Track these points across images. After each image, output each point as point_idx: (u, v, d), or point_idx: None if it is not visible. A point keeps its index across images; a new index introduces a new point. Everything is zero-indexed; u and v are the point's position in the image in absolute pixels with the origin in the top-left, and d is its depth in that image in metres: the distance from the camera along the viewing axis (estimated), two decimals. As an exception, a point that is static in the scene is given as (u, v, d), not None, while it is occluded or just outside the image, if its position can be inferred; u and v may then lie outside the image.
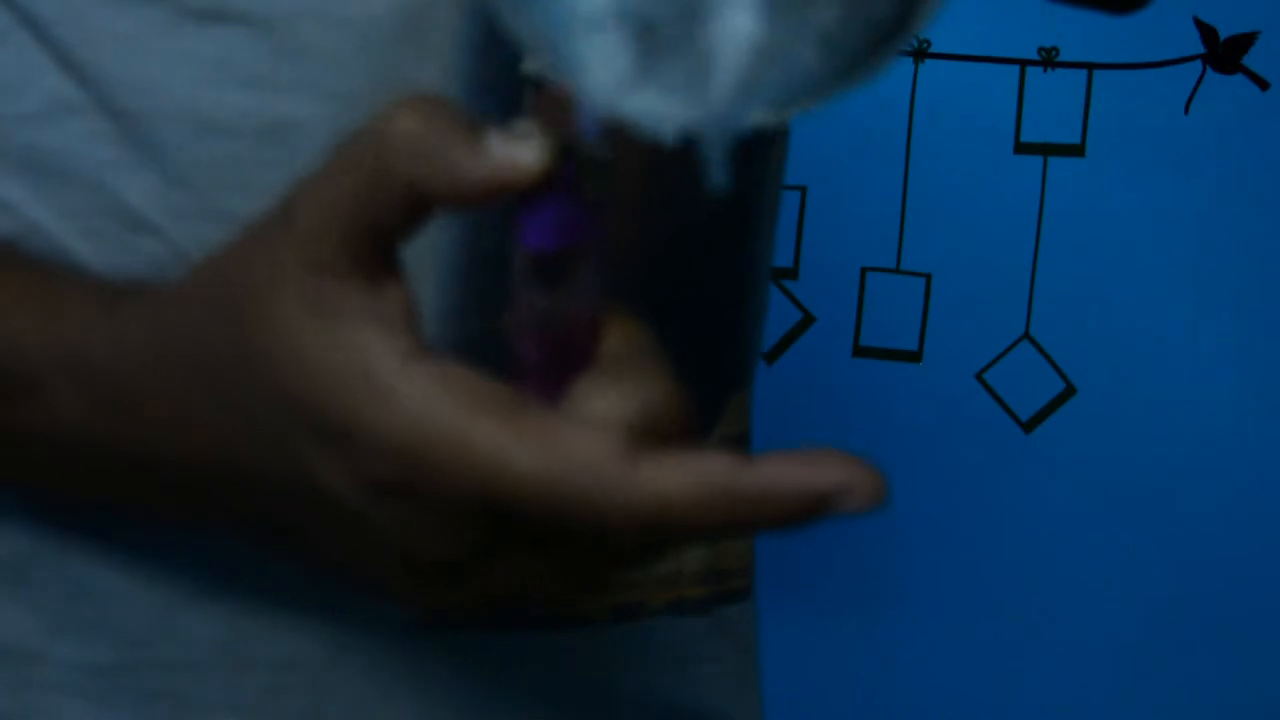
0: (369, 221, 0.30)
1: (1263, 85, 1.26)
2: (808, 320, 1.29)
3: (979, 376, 1.30)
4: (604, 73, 0.27)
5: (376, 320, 0.30)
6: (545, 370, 0.31)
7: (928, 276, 1.29)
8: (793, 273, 1.29)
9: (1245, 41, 1.25)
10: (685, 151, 0.28)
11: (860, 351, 1.30)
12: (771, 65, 0.27)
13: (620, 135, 0.29)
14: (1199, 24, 1.25)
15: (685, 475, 0.29)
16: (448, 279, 0.41)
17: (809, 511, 0.30)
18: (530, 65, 0.41)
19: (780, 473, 0.30)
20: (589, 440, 0.29)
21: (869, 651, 1.35)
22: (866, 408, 1.32)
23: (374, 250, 0.30)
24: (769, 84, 0.27)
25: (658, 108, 0.28)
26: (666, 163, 0.46)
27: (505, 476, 0.28)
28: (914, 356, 1.30)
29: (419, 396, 0.29)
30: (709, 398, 0.49)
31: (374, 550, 0.31)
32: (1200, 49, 1.26)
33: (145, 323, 0.34)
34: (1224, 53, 1.26)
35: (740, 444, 0.51)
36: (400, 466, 0.29)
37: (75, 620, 0.41)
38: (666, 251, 0.46)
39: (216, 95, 0.39)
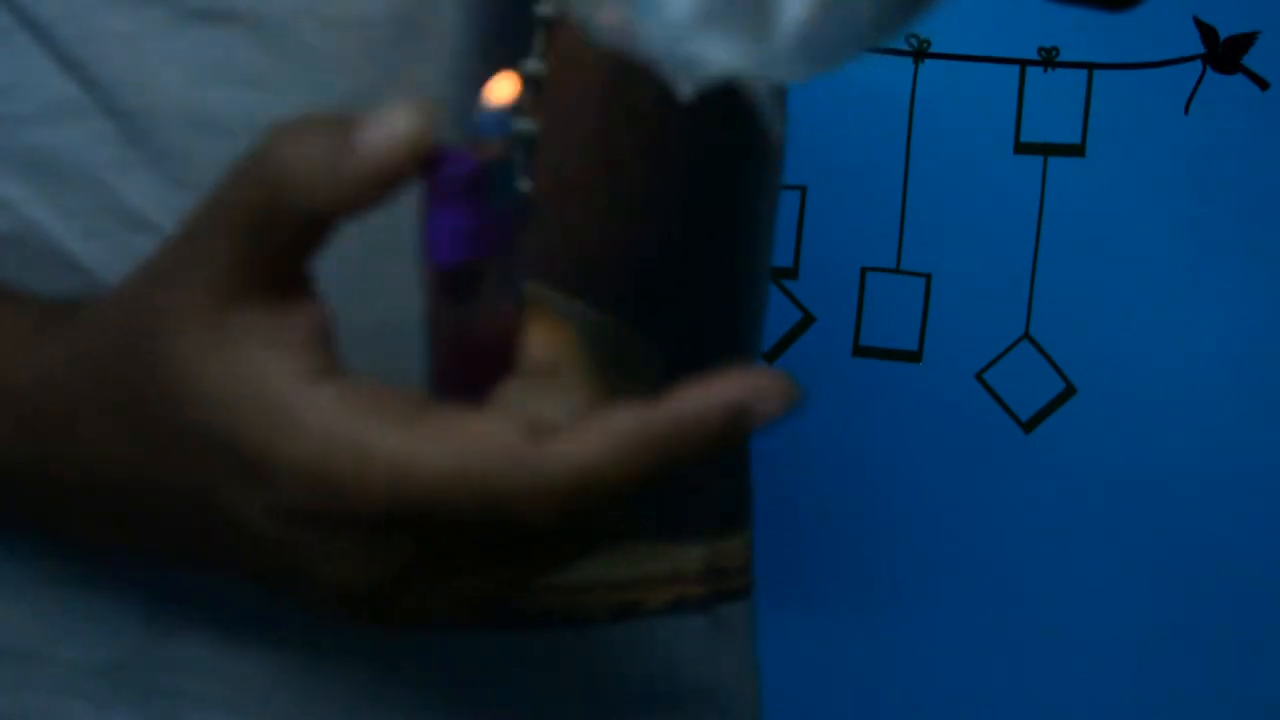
0: (266, 249, 0.30)
1: (1263, 85, 1.26)
2: (808, 320, 1.29)
3: (979, 376, 1.30)
4: (671, 12, 0.27)
5: (278, 344, 0.30)
6: (465, 381, 0.31)
7: (928, 276, 1.29)
8: (793, 273, 1.29)
9: (1245, 41, 1.25)
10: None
11: (860, 351, 1.30)
12: (831, 14, 0.27)
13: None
14: (1199, 24, 1.25)
15: (593, 436, 0.28)
16: None
17: (726, 428, 0.28)
18: (545, 7, 0.41)
19: (686, 402, 0.28)
20: (493, 427, 0.28)
21: (869, 651, 1.35)
22: (866, 408, 1.32)
23: (276, 274, 0.30)
24: (827, 33, 0.27)
25: (718, 52, 0.27)
26: (674, 154, 0.46)
27: (414, 480, 0.28)
28: (914, 356, 1.30)
29: (320, 417, 0.29)
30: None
31: (303, 575, 0.31)
32: (1200, 49, 1.26)
33: (65, 348, 0.34)
34: (1224, 53, 1.26)
35: (748, 440, 0.51)
36: (310, 491, 0.29)
37: (75, 621, 0.41)
38: (666, 250, 0.46)
39: (217, 95, 0.39)
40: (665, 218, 0.45)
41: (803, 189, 1.27)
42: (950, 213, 1.29)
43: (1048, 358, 1.29)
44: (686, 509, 0.48)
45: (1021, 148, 1.28)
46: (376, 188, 0.29)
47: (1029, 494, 1.32)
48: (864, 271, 1.29)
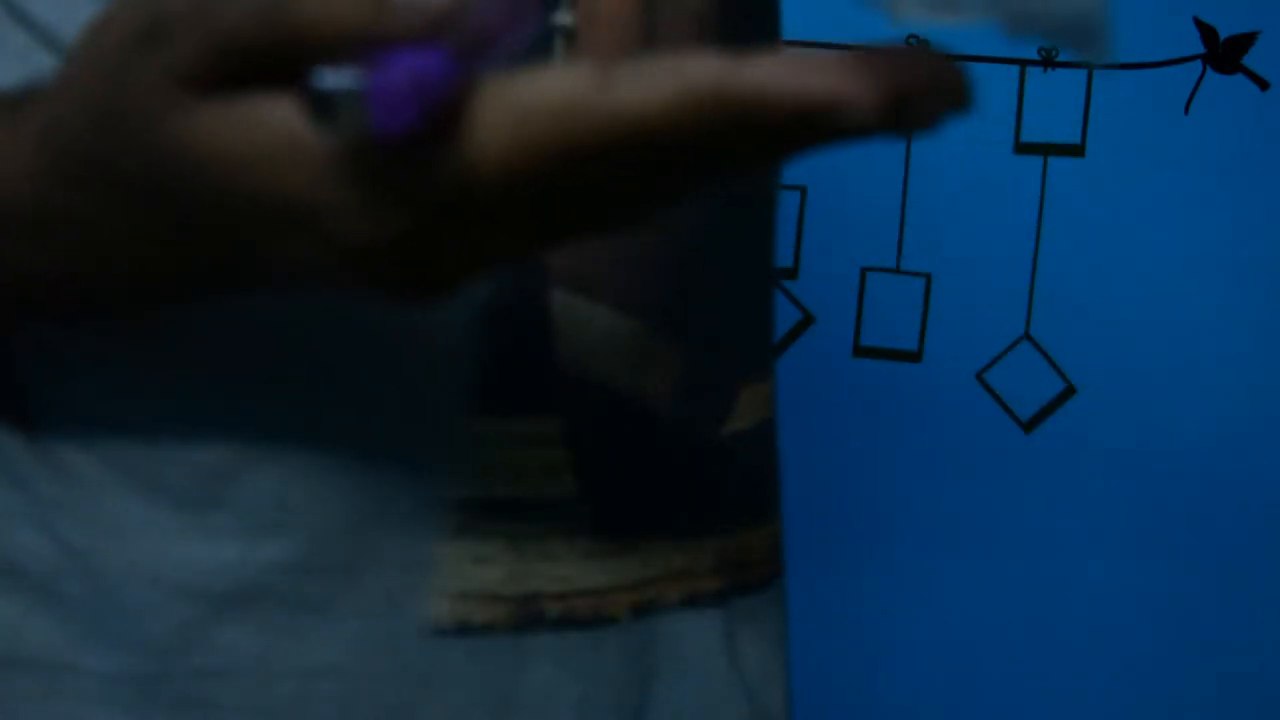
0: (249, 59, 0.28)
1: (1263, 85, 1.26)
2: (808, 320, 1.29)
3: (979, 376, 1.30)
4: None
5: (269, 97, 0.29)
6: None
7: (928, 276, 1.29)
8: (793, 273, 1.29)
9: (1245, 41, 1.25)
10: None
11: (860, 351, 1.30)
12: None
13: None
14: (1199, 24, 1.25)
15: (667, 77, 0.25)
16: (474, 288, 0.41)
17: (807, 123, 0.25)
18: None
19: (776, 73, 0.25)
20: (565, 73, 0.26)
21: (868, 651, 1.35)
22: (866, 408, 1.32)
23: (245, 74, 0.29)
24: None
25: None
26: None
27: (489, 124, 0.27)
28: (914, 356, 1.30)
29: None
30: (721, 388, 0.48)
31: (327, 232, 0.29)
32: (1200, 49, 1.26)
33: (37, 131, 0.33)
34: (1224, 53, 1.26)
35: (758, 435, 0.51)
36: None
37: (104, 631, 0.40)
38: (686, 251, 0.46)
39: None
40: (682, 218, 0.45)
41: (803, 189, 1.27)
42: (950, 213, 1.29)
43: (1048, 358, 1.30)
44: (699, 505, 0.48)
45: (1021, 148, 1.28)
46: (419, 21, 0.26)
47: (1029, 494, 1.32)
48: (864, 271, 1.29)
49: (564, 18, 0.41)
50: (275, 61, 0.28)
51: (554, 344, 0.42)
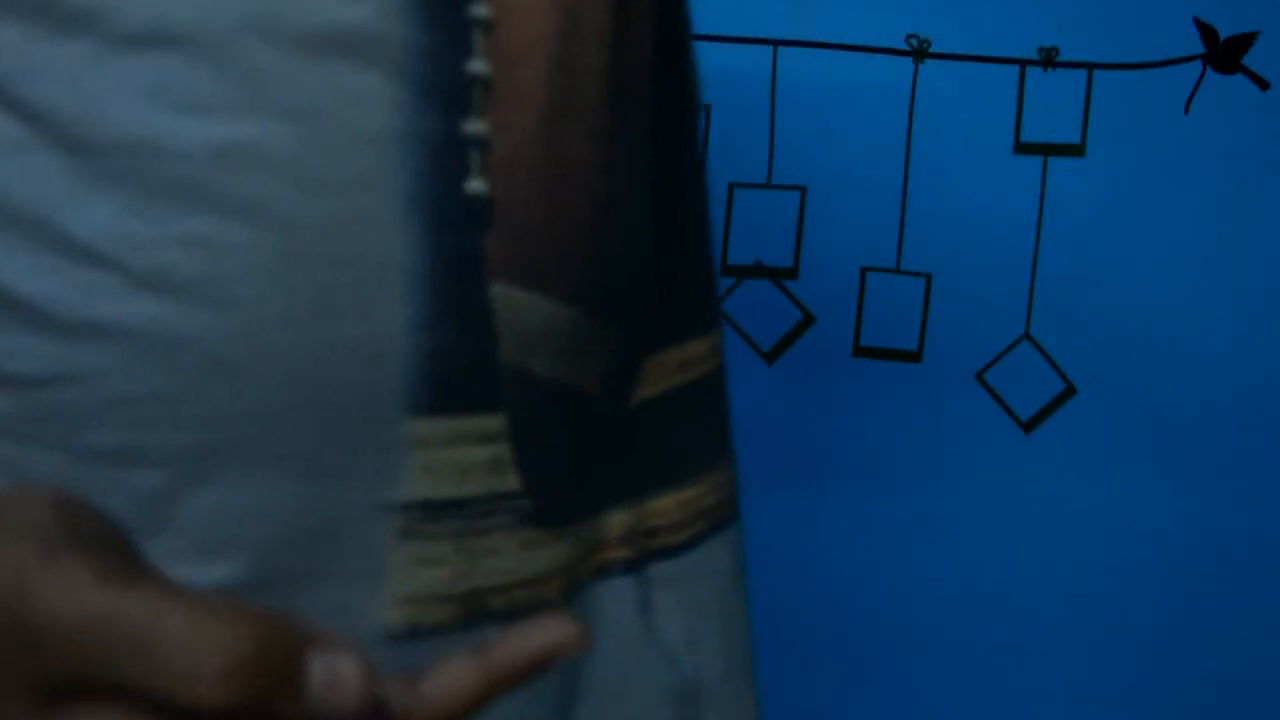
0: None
1: (1263, 85, 1.26)
2: (808, 320, 1.29)
3: (979, 376, 1.30)
4: None
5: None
6: None
7: (928, 276, 1.29)
8: (793, 273, 1.29)
9: (1245, 41, 1.25)
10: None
11: (860, 351, 1.30)
12: None
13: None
14: (1199, 24, 1.25)
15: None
16: (413, 288, 0.40)
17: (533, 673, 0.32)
18: (480, 9, 0.41)
19: (502, 654, 0.32)
20: None
21: (867, 650, 1.35)
22: (866, 408, 1.32)
23: None
24: None
25: None
26: (618, 143, 0.46)
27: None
28: (914, 356, 1.30)
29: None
30: (630, 361, 0.48)
31: None
32: (1200, 49, 1.26)
33: None
34: (1224, 53, 1.26)
35: (665, 402, 0.51)
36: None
37: None
38: (618, 236, 0.46)
39: (162, 120, 0.38)
40: (614, 204, 0.46)
41: (803, 189, 1.27)
42: (950, 213, 1.29)
43: (1048, 358, 1.30)
44: (611, 477, 0.48)
45: (1021, 148, 1.28)
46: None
47: (1029, 494, 1.32)
48: (864, 271, 1.29)
49: (478, 66, 0.41)
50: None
51: (496, 339, 0.42)
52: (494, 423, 0.43)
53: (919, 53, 1.27)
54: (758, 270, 1.27)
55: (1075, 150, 1.28)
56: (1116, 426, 1.31)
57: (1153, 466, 1.31)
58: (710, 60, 1.27)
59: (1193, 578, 1.32)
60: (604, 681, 0.49)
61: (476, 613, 0.43)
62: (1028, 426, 1.30)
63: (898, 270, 1.28)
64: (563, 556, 0.46)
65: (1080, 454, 1.31)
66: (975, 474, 1.32)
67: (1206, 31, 1.26)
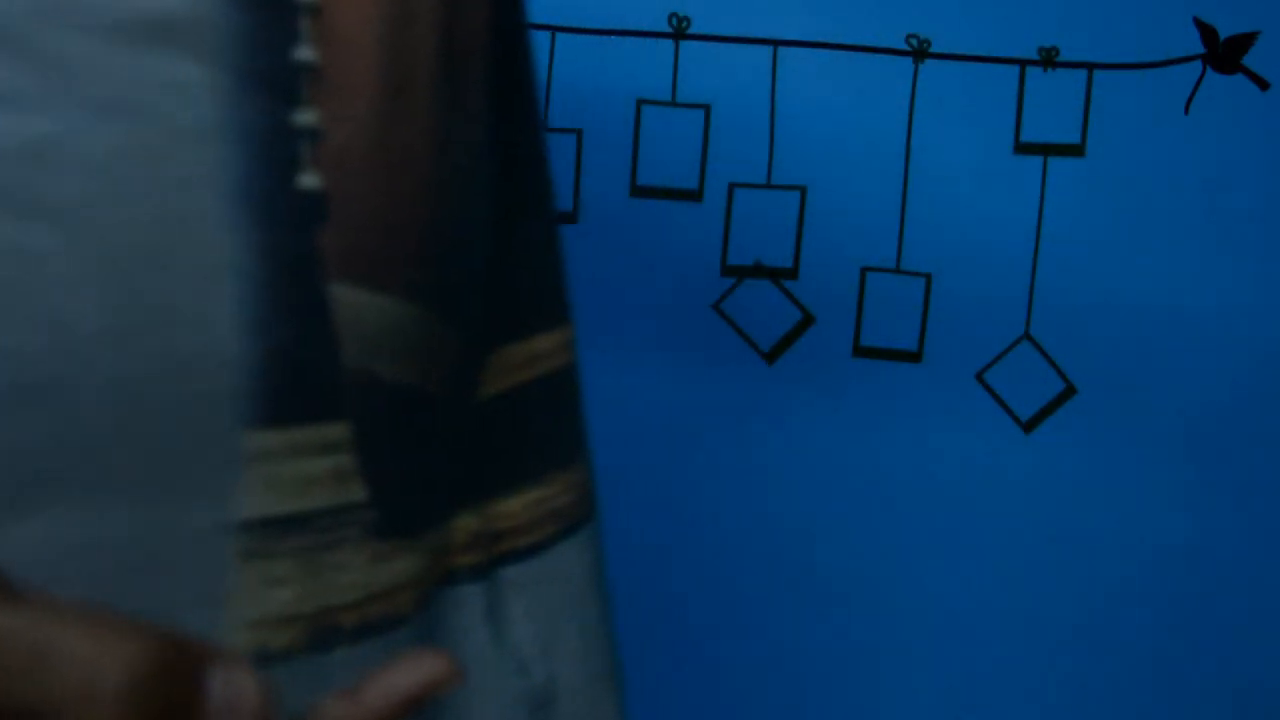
0: None
1: (1263, 85, 1.26)
2: (808, 320, 1.29)
3: (979, 376, 1.30)
4: None
5: None
6: None
7: (928, 276, 1.29)
8: (793, 273, 1.29)
9: (1245, 41, 1.25)
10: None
11: (860, 351, 1.30)
12: None
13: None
14: (1199, 24, 1.25)
15: None
16: (247, 291, 0.38)
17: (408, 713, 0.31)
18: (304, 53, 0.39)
19: (375, 698, 0.31)
20: None
21: (866, 650, 1.35)
22: (866, 408, 1.32)
23: None
24: None
25: None
26: (451, 131, 0.44)
27: None
28: (914, 356, 1.30)
29: None
30: (473, 359, 0.47)
31: None
32: (1200, 49, 1.26)
33: None
34: (1224, 53, 1.26)
35: (509, 400, 0.49)
36: None
37: None
38: (457, 229, 0.44)
39: None
40: (451, 195, 0.44)
41: (803, 189, 1.27)
42: (950, 213, 1.29)
43: (1048, 358, 1.30)
44: (457, 481, 0.46)
45: (1021, 148, 1.28)
46: None
47: (1029, 494, 1.32)
48: (864, 271, 1.29)
49: (306, 52, 0.39)
50: None
51: (338, 343, 0.40)
52: (337, 431, 0.41)
53: (919, 53, 1.27)
54: (758, 270, 1.27)
55: (1075, 150, 1.28)
56: (1116, 426, 1.31)
57: (1153, 466, 1.31)
58: (710, 60, 1.27)
59: (1193, 578, 1.32)
60: (459, 694, 0.47)
61: (327, 632, 0.41)
62: (1028, 426, 1.30)
63: (898, 270, 1.28)
64: (414, 567, 0.44)
65: (1080, 454, 1.31)
66: (975, 474, 1.32)
67: (1206, 31, 1.25)
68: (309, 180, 0.39)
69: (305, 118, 0.39)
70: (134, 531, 0.38)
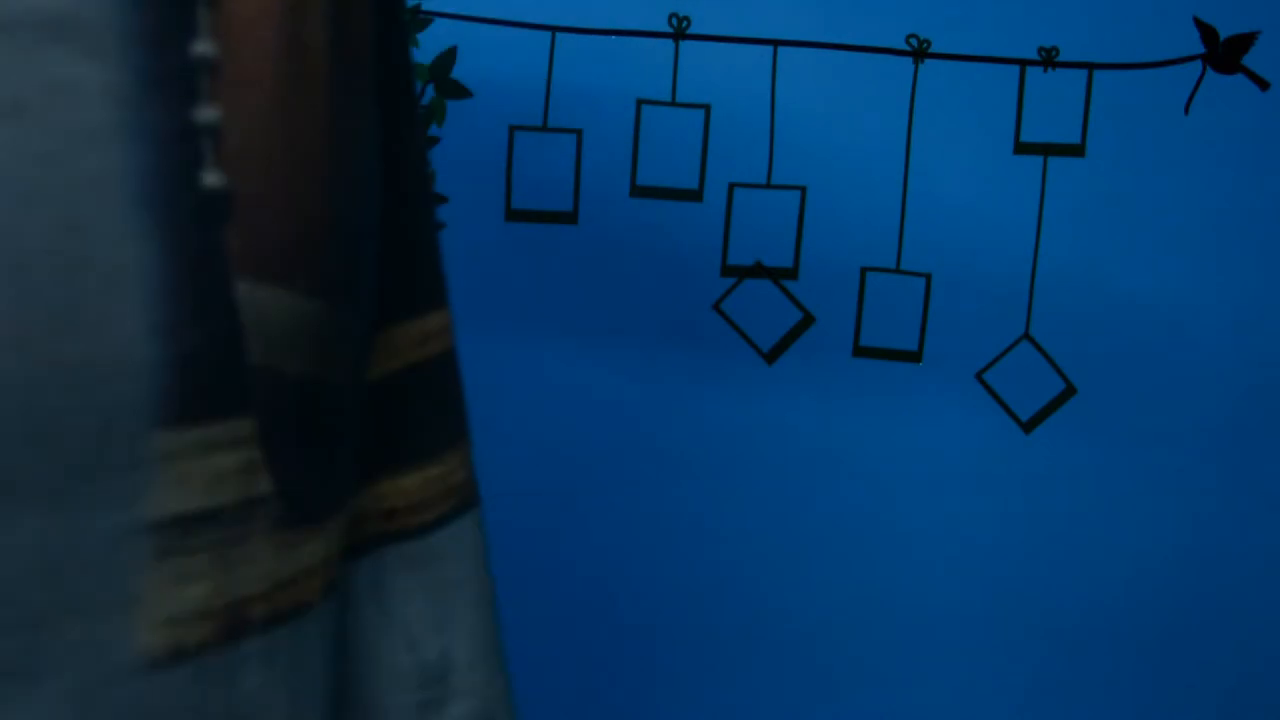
0: None
1: (1263, 85, 1.26)
2: (808, 320, 1.29)
3: (979, 376, 1.30)
4: None
5: None
6: None
7: (928, 276, 1.29)
8: (793, 273, 1.29)
9: (1245, 41, 1.25)
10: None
11: (860, 351, 1.30)
12: None
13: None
14: (1199, 24, 1.25)
15: None
16: (152, 293, 0.37)
17: None
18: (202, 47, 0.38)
19: None
20: None
21: (867, 649, 1.35)
22: (866, 408, 1.32)
23: None
24: None
25: None
26: (350, 121, 0.44)
27: None
28: (914, 356, 1.30)
29: None
30: (344, 337, 0.47)
31: None
32: (1200, 49, 1.26)
33: None
34: (1224, 53, 1.26)
35: (393, 382, 0.49)
36: None
37: None
38: (357, 220, 0.45)
39: None
40: (347, 186, 0.44)
41: (803, 189, 1.27)
42: (950, 213, 1.29)
43: (1048, 358, 1.30)
44: (348, 472, 0.46)
45: (1021, 148, 1.28)
46: None
47: (1029, 494, 1.32)
48: (864, 271, 1.29)
49: (205, 47, 0.39)
50: None
51: (243, 339, 0.40)
52: (244, 426, 0.40)
53: (919, 53, 1.27)
54: (758, 270, 1.27)
55: (1075, 150, 1.28)
56: (1116, 426, 1.31)
57: (1152, 466, 1.31)
58: (710, 60, 1.27)
59: (1192, 578, 1.32)
60: (353, 670, 0.47)
61: (239, 625, 0.41)
62: (1028, 426, 1.30)
63: (898, 270, 1.28)
64: (320, 553, 0.44)
65: (1080, 454, 1.31)
66: (975, 474, 1.32)
67: (1206, 31, 1.26)
68: (212, 179, 0.39)
69: (206, 114, 0.39)
70: (42, 536, 0.37)
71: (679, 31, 1.22)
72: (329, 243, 0.43)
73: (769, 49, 1.25)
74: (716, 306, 1.19)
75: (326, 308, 0.43)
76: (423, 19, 1.18)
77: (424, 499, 0.50)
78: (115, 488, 0.38)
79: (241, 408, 0.40)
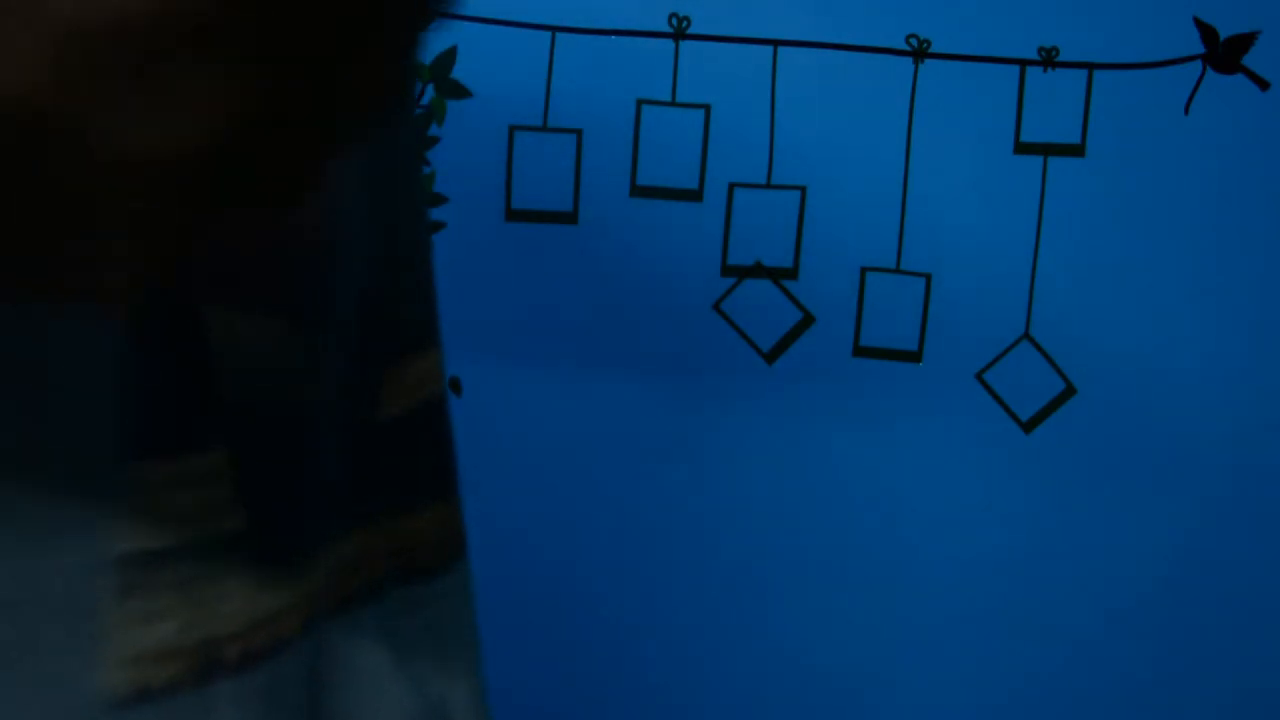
0: None
1: (1263, 85, 1.26)
2: (808, 320, 1.29)
3: (979, 376, 1.30)
4: None
5: None
6: None
7: (928, 276, 1.29)
8: (793, 273, 1.29)
9: (1245, 41, 1.25)
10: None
11: (860, 351, 1.30)
12: None
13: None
14: (1199, 24, 1.25)
15: None
16: (118, 321, 0.37)
17: None
18: None
19: None
20: None
21: (866, 649, 1.35)
22: (866, 408, 1.32)
23: None
24: None
25: None
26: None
27: None
28: (914, 356, 1.30)
29: None
30: (368, 379, 0.46)
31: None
32: (1200, 49, 1.26)
33: None
34: (1224, 53, 1.26)
35: (410, 420, 0.48)
36: None
37: None
38: (335, 244, 0.43)
39: None
40: (330, 208, 0.43)
41: (803, 189, 1.27)
42: (950, 213, 1.29)
43: (1048, 358, 1.30)
44: (351, 502, 0.46)
45: (1021, 148, 1.28)
46: None
47: (1029, 494, 1.32)
48: (864, 271, 1.29)
49: None
50: None
51: (213, 368, 0.39)
52: (216, 460, 0.39)
53: (919, 53, 1.27)
54: (758, 270, 1.27)
55: (1075, 150, 1.28)
56: (1116, 427, 1.31)
57: (1152, 467, 1.31)
58: (710, 60, 1.27)
59: (1194, 576, 1.32)
60: (353, 714, 0.46)
61: (210, 665, 0.39)
62: (1028, 426, 1.30)
63: (898, 270, 1.28)
64: (300, 591, 0.42)
65: (1080, 454, 1.31)
66: (975, 474, 1.32)
67: (1206, 31, 1.26)
68: None
69: None
70: (2, 571, 0.36)
71: (679, 31, 1.22)
72: (302, 269, 0.41)
73: (769, 49, 1.25)
74: (716, 306, 1.19)
75: (298, 331, 0.41)
76: (423, 19, 1.18)
77: (438, 538, 0.49)
78: (81, 522, 0.37)
79: (214, 441, 0.39)
